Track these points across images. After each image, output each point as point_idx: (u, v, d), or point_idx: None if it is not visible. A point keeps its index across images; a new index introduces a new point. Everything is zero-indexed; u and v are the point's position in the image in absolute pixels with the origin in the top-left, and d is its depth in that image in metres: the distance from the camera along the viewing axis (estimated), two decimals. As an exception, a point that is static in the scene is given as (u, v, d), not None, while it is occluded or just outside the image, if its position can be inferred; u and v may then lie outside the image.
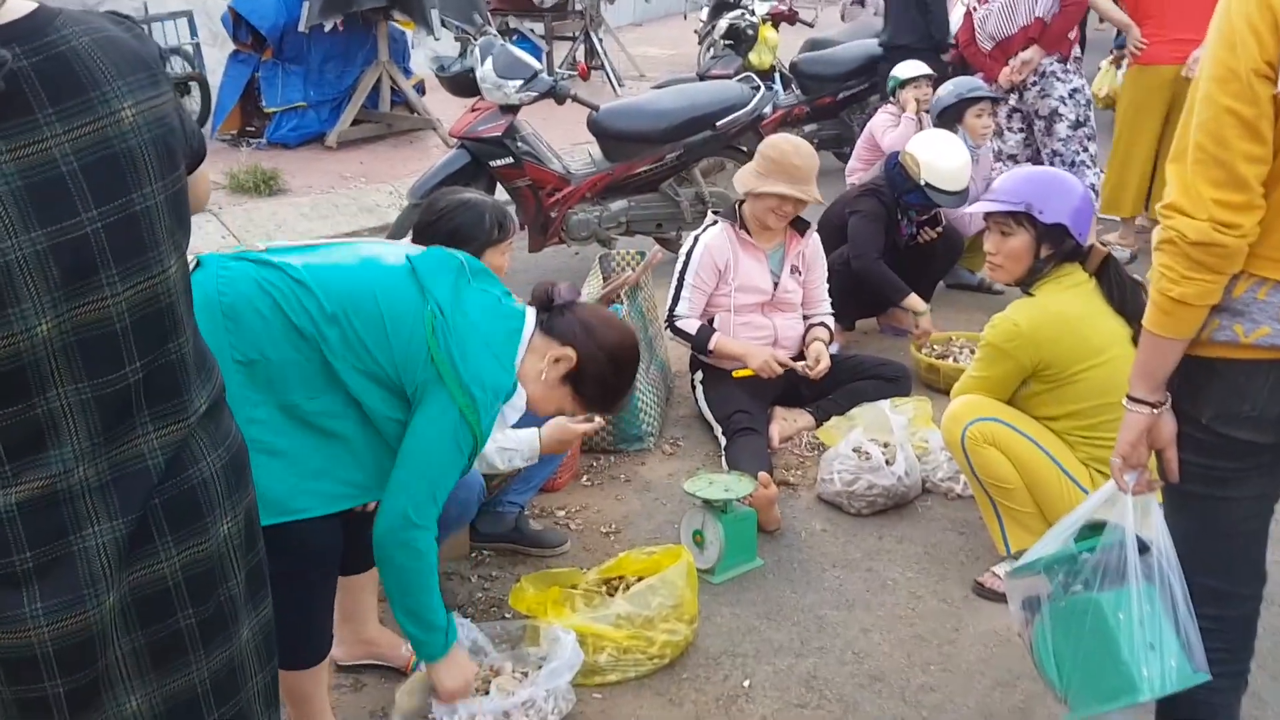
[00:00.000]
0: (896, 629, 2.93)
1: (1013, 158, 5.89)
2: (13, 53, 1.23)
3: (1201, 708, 1.89)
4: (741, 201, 4.05)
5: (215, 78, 8.65)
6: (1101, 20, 7.17)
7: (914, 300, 4.48)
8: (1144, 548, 1.87)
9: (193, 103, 8.64)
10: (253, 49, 8.01)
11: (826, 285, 4.21)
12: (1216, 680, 1.85)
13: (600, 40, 12.08)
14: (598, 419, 3.12)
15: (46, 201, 1.24)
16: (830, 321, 4.17)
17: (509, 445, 2.96)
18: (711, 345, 3.93)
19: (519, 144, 5.66)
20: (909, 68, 5.92)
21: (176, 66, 8.75)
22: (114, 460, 1.35)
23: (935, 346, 4.59)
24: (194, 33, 8.91)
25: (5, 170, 1.22)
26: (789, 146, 3.87)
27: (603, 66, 11.79)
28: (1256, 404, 1.72)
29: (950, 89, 5.27)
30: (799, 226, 4.08)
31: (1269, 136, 1.60)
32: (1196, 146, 1.64)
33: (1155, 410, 1.80)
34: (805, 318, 4.15)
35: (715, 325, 4.00)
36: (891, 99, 5.90)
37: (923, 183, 4.56)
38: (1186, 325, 1.72)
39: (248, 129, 8.31)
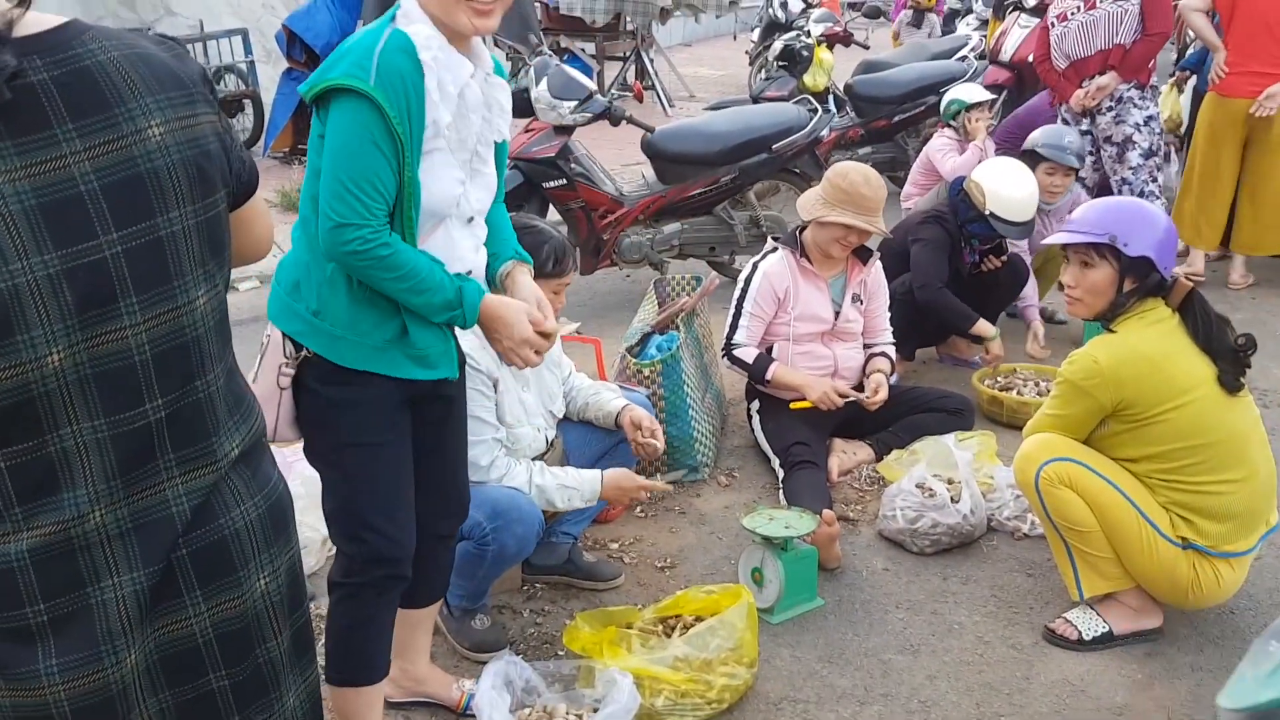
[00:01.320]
0: (964, 676, 2.82)
1: (1081, 181, 5.75)
2: (33, 65, 1.17)
3: None
4: (802, 229, 3.96)
5: (269, 95, 8.73)
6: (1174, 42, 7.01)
7: (983, 326, 4.36)
8: None
9: (246, 120, 8.73)
10: (306, 66, 8.06)
11: (888, 314, 4.11)
12: None
13: (651, 60, 12.09)
14: (661, 482, 3.21)
15: (62, 222, 1.18)
16: (891, 351, 4.06)
17: (570, 484, 2.92)
18: (769, 375, 3.84)
19: (572, 165, 5.62)
20: (971, 91, 5.80)
21: (230, 84, 8.87)
22: (135, 507, 1.28)
23: (999, 378, 4.47)
24: (248, 50, 9.00)
25: (19, 187, 1.15)
26: (859, 176, 3.77)
27: (653, 86, 11.79)
28: None
29: (1041, 138, 5.03)
30: (861, 255, 3.98)
31: None
32: None
33: None
34: (866, 346, 4.05)
35: (774, 354, 3.91)
36: (950, 122, 5.79)
37: (988, 212, 4.45)
38: None
39: (300, 147, 8.36)
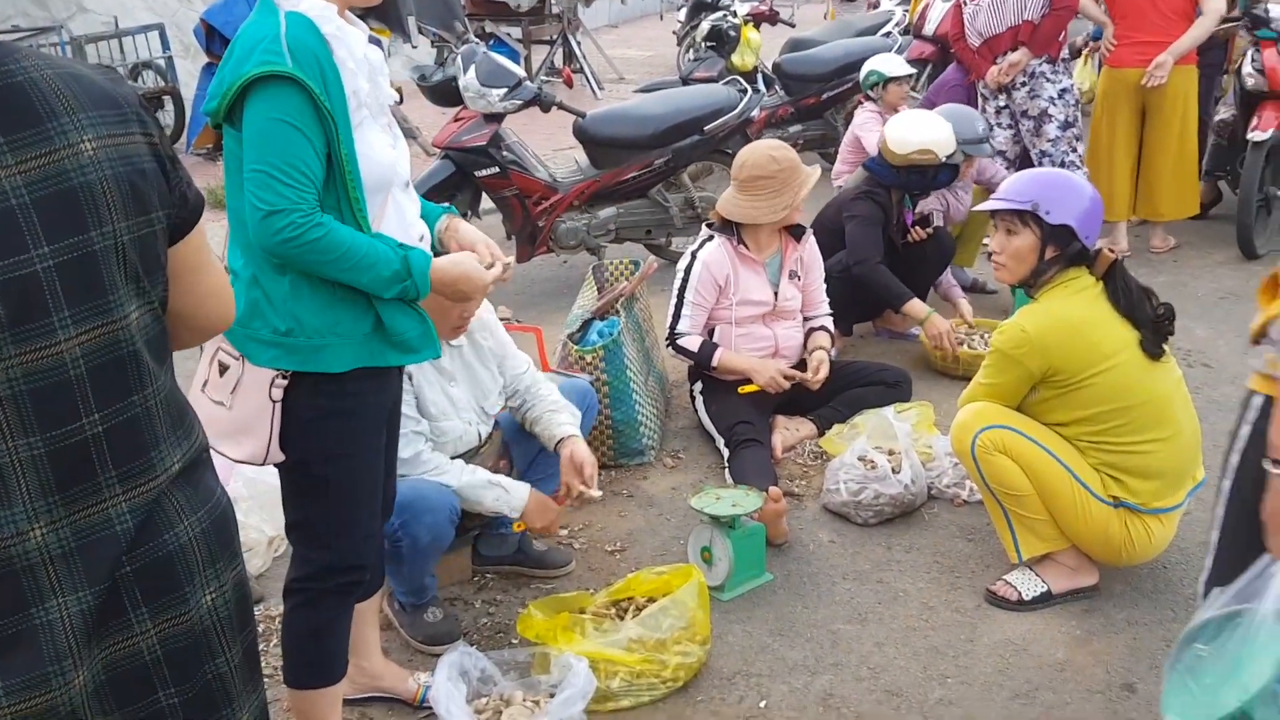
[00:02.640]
0: (911, 641, 2.89)
1: (1001, 153, 5.87)
2: None
3: None
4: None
5: (189, 91, 8.57)
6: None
7: (916, 306, 4.45)
8: None
9: (167, 117, 8.56)
10: (228, 62, 7.93)
11: (824, 287, 4.17)
12: None
13: (578, 43, 12.05)
14: (591, 491, 2.96)
15: None
16: (830, 325, 4.13)
17: (503, 488, 2.91)
18: (715, 362, 3.88)
19: (504, 153, 5.60)
20: (890, 64, 5.88)
21: (149, 81, 8.68)
22: (77, 525, 1.26)
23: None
24: (166, 46, 8.83)
25: None
26: (766, 158, 3.84)
27: (582, 70, 11.75)
28: None
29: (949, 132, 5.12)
30: (795, 232, 4.03)
31: None
32: None
33: None
34: (805, 320, 4.11)
35: (716, 337, 3.95)
36: (869, 94, 5.87)
37: (909, 162, 4.53)
38: None
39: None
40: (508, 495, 2.92)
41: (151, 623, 1.34)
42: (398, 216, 2.18)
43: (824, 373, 3.91)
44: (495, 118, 5.51)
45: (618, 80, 12.54)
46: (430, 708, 2.66)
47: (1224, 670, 1.60)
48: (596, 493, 2.97)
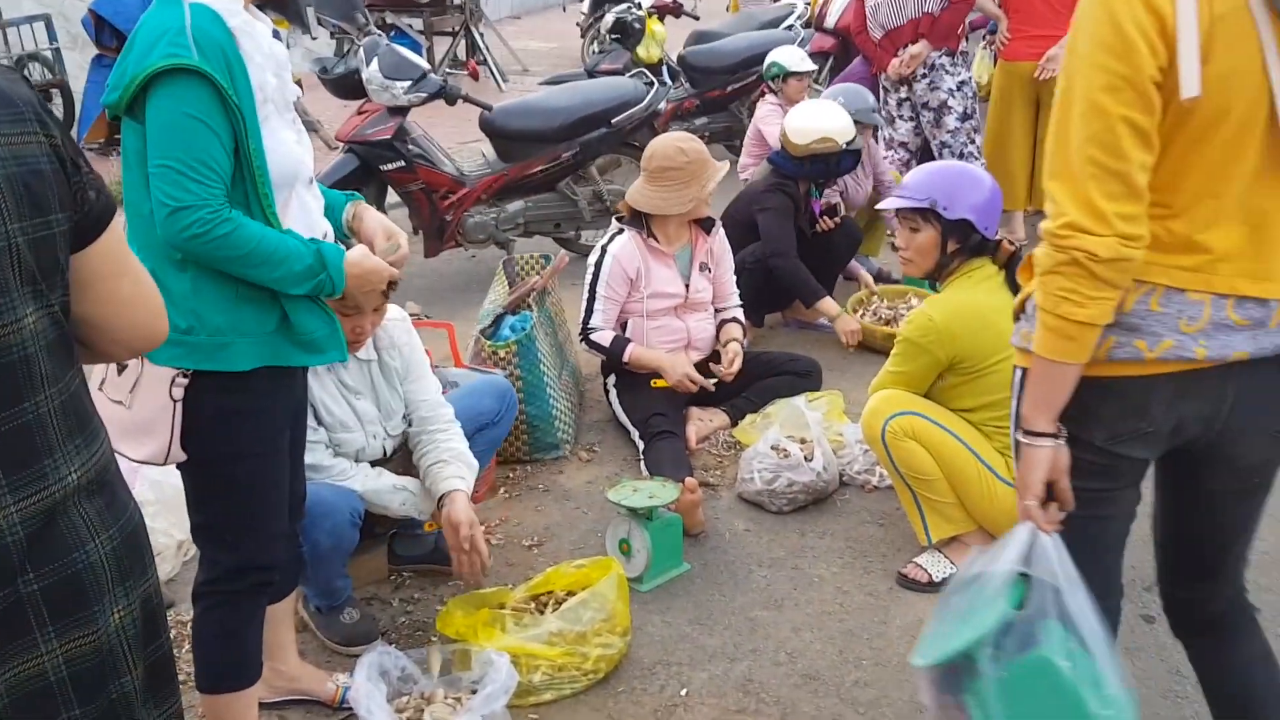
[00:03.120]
0: (826, 625, 2.95)
1: (904, 145, 6.00)
2: None
3: None
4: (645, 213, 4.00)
5: (78, 84, 8.28)
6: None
7: (828, 304, 4.54)
8: (1066, 588, 1.71)
9: (56, 110, 8.24)
10: (117, 52, 7.66)
11: (734, 279, 4.22)
12: None
13: (481, 35, 11.93)
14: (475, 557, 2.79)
15: None
16: (741, 316, 4.18)
17: (405, 485, 2.89)
18: (626, 357, 3.90)
19: (410, 146, 5.54)
20: (792, 58, 5.97)
21: (36, 74, 8.35)
22: None
23: (882, 308, 4.80)
24: (53, 37, 8.50)
25: None
26: (674, 150, 3.88)
27: (486, 62, 11.65)
28: (1155, 420, 1.69)
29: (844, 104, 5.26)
30: (704, 225, 4.07)
31: (1157, 145, 1.58)
32: (1089, 160, 1.56)
33: (1058, 441, 1.71)
34: (717, 311, 4.15)
35: (629, 330, 3.97)
36: (770, 84, 5.96)
37: (809, 152, 4.61)
38: (1087, 348, 1.64)
39: (116, 137, 7.96)
40: (415, 499, 2.89)
41: (58, 642, 1.31)
42: (302, 213, 2.15)
43: (738, 365, 3.96)
44: (400, 111, 5.44)
45: (522, 73, 12.46)
46: (350, 709, 2.63)
47: (959, 619, 1.77)
48: (482, 553, 2.78)
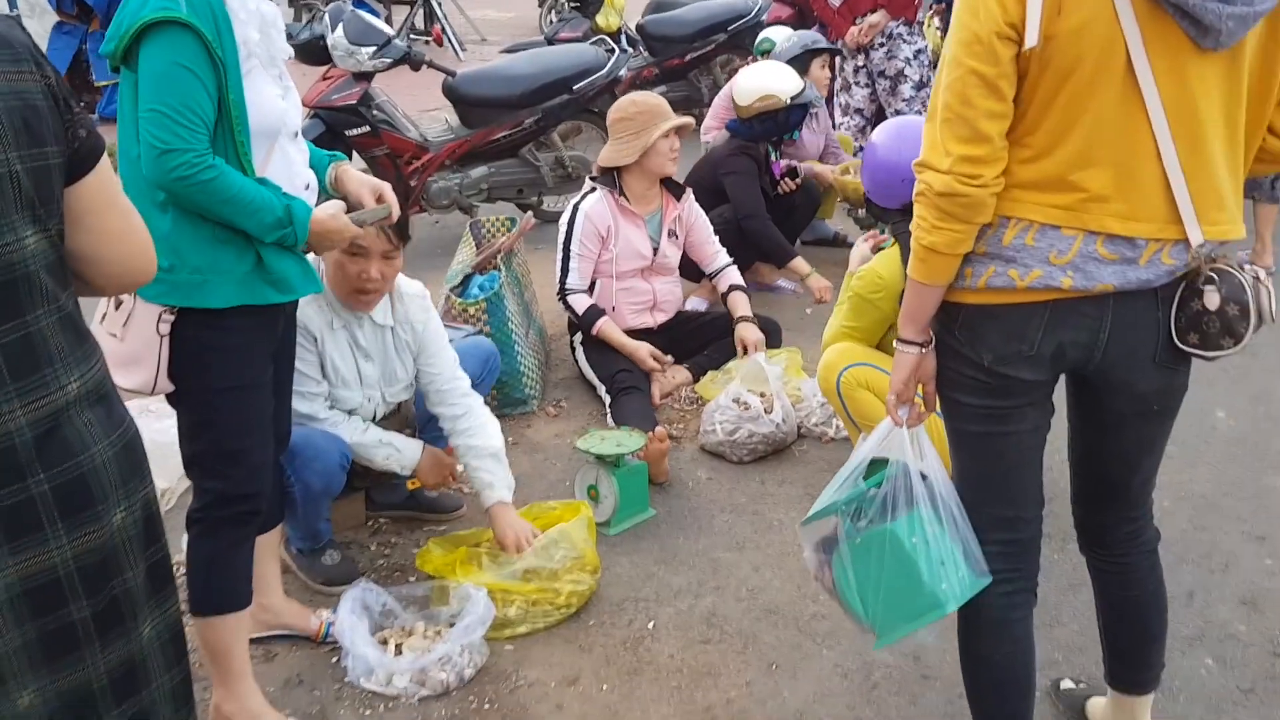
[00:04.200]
0: (785, 565, 3.11)
1: (859, 111, 6.15)
2: None
3: (1000, 622, 2.04)
4: (618, 170, 4.11)
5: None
6: None
7: (800, 263, 4.71)
8: (923, 476, 2.01)
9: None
10: (78, 20, 7.62)
11: (715, 238, 4.36)
12: (1011, 597, 2.02)
13: (439, 3, 11.92)
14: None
15: None
16: (738, 278, 4.34)
17: (396, 447, 3.01)
18: (595, 331, 4.03)
19: (375, 112, 5.60)
20: (781, 36, 6.10)
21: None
22: None
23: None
24: (13, 5, 8.42)
25: None
26: (638, 96, 4.06)
27: (444, 30, 11.63)
28: (1033, 343, 1.84)
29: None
30: (675, 191, 4.20)
31: (1009, 94, 1.74)
32: (944, 106, 1.75)
33: (923, 350, 1.94)
34: (710, 276, 4.34)
35: (597, 291, 4.10)
36: (759, 57, 6.07)
37: (755, 112, 4.77)
38: (941, 273, 1.83)
39: (84, 100, 7.92)
40: (399, 454, 3.02)
41: (67, 538, 1.43)
42: (284, 164, 2.25)
43: (761, 348, 4.09)
44: (365, 76, 5.50)
45: (480, 41, 12.47)
46: (333, 642, 2.76)
47: (831, 492, 2.13)
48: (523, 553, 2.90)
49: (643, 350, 4.03)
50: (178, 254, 2.12)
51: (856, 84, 6.15)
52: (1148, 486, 2.13)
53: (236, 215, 2.10)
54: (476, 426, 3.04)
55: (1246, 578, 3.02)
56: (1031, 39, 1.69)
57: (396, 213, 2.41)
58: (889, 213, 3.15)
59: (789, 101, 4.78)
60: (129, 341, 2.18)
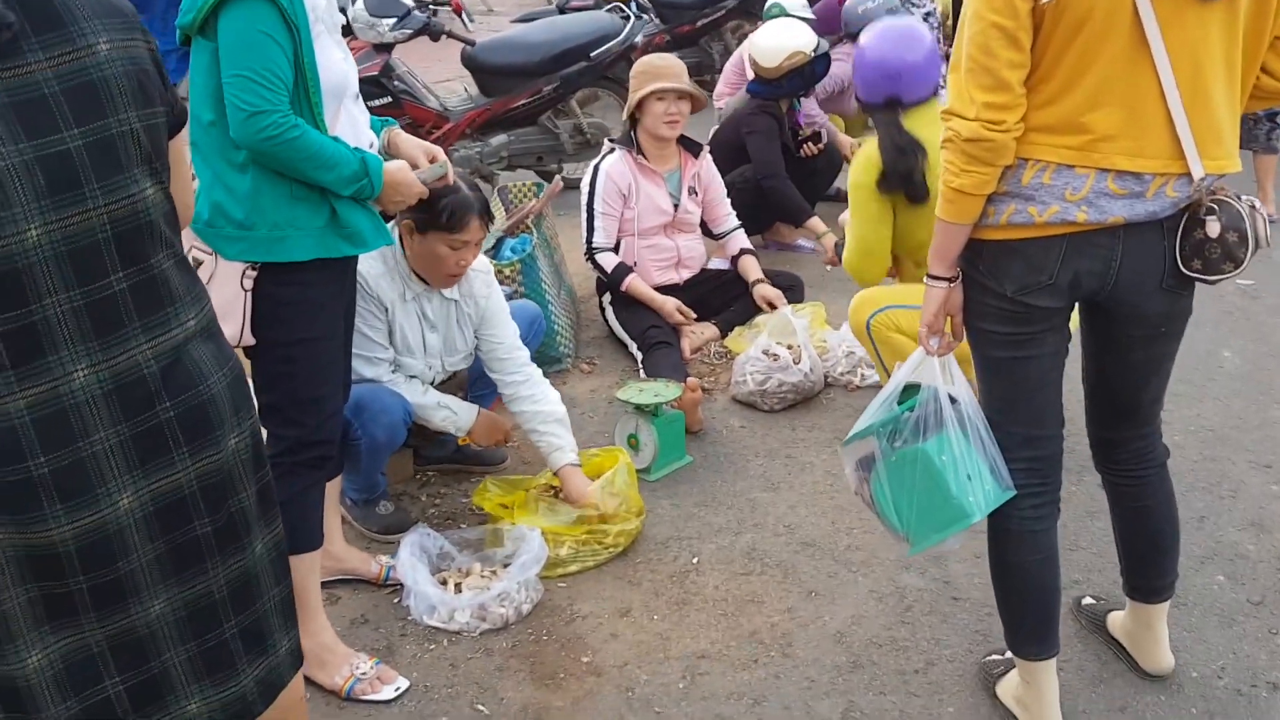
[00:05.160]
0: (819, 502, 3.28)
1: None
2: None
3: (1026, 533, 2.21)
4: (634, 127, 4.25)
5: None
6: None
7: (816, 223, 4.85)
8: (952, 400, 2.18)
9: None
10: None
11: (728, 200, 4.49)
12: (1038, 509, 2.20)
13: (446, -25, 11.97)
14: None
15: (31, 118, 1.39)
16: (746, 243, 4.48)
17: (451, 409, 3.17)
18: (625, 287, 4.18)
19: (395, 83, 5.73)
20: (794, 2, 6.20)
21: None
22: (114, 369, 1.48)
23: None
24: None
25: None
26: (654, 57, 4.21)
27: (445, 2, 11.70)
28: (1052, 273, 1.99)
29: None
30: (692, 149, 4.33)
31: (1027, 45, 1.89)
32: (969, 58, 1.89)
33: (950, 284, 2.09)
34: (718, 236, 4.45)
35: (621, 251, 4.24)
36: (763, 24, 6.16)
37: (783, 71, 4.89)
38: (968, 213, 1.98)
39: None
40: (455, 417, 3.18)
41: (190, 460, 1.58)
42: (350, 124, 2.40)
43: (780, 303, 4.24)
44: (385, 48, 5.63)
45: (487, 12, 12.53)
46: (392, 585, 2.93)
47: (868, 416, 2.31)
48: (606, 504, 3.05)
49: (670, 304, 4.18)
50: (259, 211, 2.26)
51: None
52: (1156, 405, 2.29)
53: (319, 171, 2.23)
54: (540, 394, 3.20)
55: (1254, 502, 3.18)
56: None
57: (452, 174, 2.56)
58: (874, 108, 3.31)
59: (813, 54, 4.92)
60: (214, 297, 2.33)
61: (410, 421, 3.09)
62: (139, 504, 1.52)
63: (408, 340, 3.13)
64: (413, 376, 3.17)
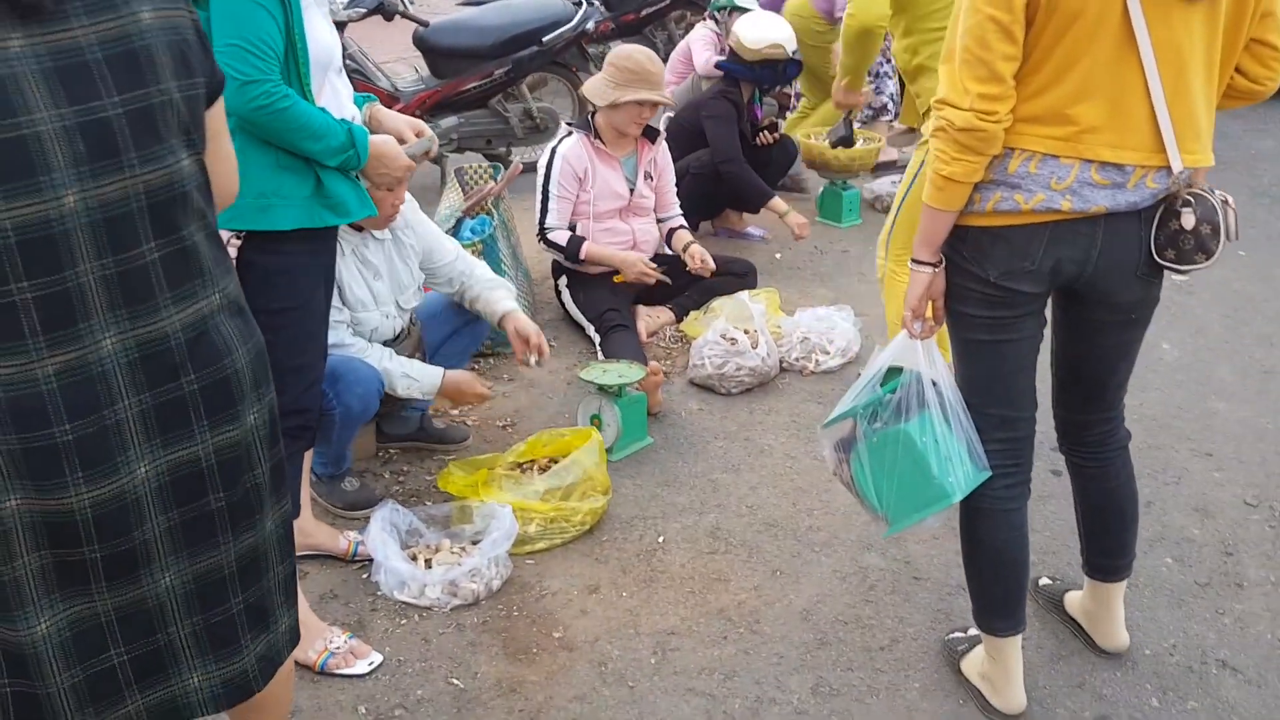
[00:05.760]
0: (779, 484, 3.34)
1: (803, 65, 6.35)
2: None
3: (999, 512, 2.29)
4: (593, 113, 4.27)
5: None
6: None
7: (778, 203, 4.92)
8: (933, 383, 2.25)
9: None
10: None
11: (675, 189, 4.53)
12: (1011, 489, 2.28)
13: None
14: (536, 358, 3.29)
15: (73, 83, 1.38)
16: (685, 223, 4.50)
17: (414, 376, 3.15)
18: (582, 254, 4.18)
19: (347, 61, 5.65)
20: None
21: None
22: (141, 339, 1.48)
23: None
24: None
25: (38, 51, 1.36)
26: (642, 56, 4.13)
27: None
28: (1035, 259, 2.07)
29: None
30: (649, 134, 4.36)
31: (1020, 39, 1.96)
32: (963, 49, 1.94)
33: (935, 269, 2.16)
34: (660, 221, 4.46)
35: (578, 232, 4.25)
36: (715, 13, 6.22)
37: (761, 56, 4.98)
38: (956, 200, 2.05)
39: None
40: (418, 383, 3.16)
41: (210, 434, 1.57)
42: (334, 96, 2.41)
43: (709, 259, 4.28)
44: (338, 26, 5.53)
45: (426, -5, 12.41)
46: (361, 560, 2.92)
47: (850, 398, 2.37)
48: (541, 358, 3.28)
49: (633, 257, 4.20)
50: (245, 180, 2.21)
51: None
52: (1121, 390, 2.39)
53: (307, 140, 2.23)
54: (478, 270, 3.40)
55: (1198, 489, 3.32)
56: None
57: (435, 147, 2.56)
58: None
59: (790, 55, 5.01)
60: None
61: (382, 393, 3.08)
62: (155, 475, 1.52)
63: (357, 295, 3.10)
64: (373, 332, 3.15)
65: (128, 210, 1.44)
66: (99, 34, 1.40)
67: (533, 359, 3.26)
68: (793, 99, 6.47)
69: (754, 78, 5.09)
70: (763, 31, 5.00)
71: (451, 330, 3.45)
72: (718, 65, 5.18)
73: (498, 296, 3.34)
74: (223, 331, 1.58)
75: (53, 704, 1.51)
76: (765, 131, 5.22)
